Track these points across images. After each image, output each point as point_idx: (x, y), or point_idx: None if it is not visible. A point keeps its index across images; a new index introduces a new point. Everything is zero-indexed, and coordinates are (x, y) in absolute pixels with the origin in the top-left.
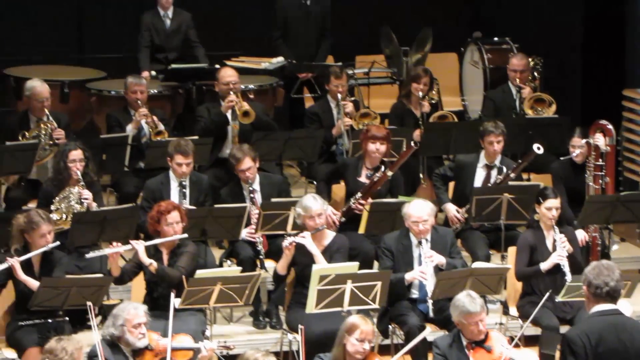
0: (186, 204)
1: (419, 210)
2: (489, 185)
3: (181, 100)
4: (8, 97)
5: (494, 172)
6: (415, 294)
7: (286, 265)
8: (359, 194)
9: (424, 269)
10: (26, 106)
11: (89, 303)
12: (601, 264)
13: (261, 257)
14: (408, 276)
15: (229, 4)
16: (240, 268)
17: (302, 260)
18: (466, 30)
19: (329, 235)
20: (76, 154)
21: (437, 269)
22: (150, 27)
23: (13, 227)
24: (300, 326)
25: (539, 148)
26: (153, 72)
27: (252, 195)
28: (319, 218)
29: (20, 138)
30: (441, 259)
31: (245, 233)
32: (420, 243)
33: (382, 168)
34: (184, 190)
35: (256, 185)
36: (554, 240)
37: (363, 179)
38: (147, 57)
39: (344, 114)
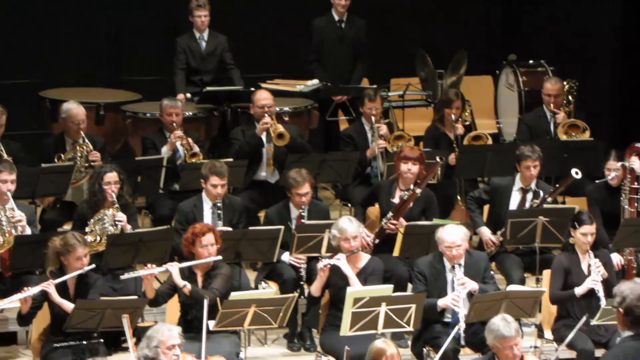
0: (220, 226)
1: (452, 235)
2: (524, 208)
3: (216, 123)
4: (44, 119)
5: (529, 196)
6: (448, 318)
7: (320, 287)
8: (390, 214)
9: (457, 296)
10: (62, 128)
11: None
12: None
13: (302, 282)
14: (441, 302)
15: (264, 27)
16: (274, 290)
17: (337, 282)
18: (501, 52)
19: (364, 258)
20: (111, 176)
21: (470, 295)
22: (185, 49)
23: (49, 250)
24: (346, 347)
25: (577, 173)
26: (188, 95)
27: (302, 220)
28: (354, 240)
29: (56, 160)
30: (474, 285)
31: (288, 257)
32: (453, 268)
33: (411, 187)
34: (218, 211)
35: (304, 212)
36: (589, 264)
37: (396, 200)
38: (183, 79)
39: (378, 136)
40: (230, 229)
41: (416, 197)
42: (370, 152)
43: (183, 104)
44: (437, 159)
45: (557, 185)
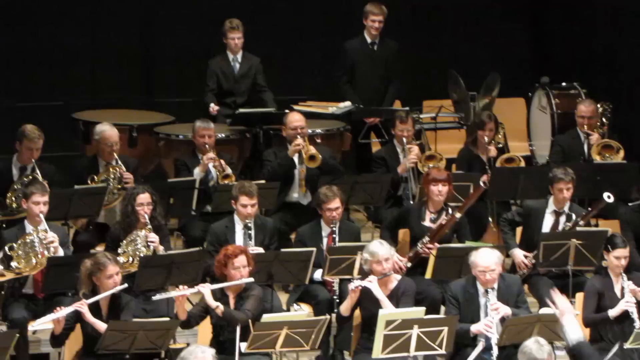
0: (252, 246)
1: (486, 259)
2: (557, 231)
3: (249, 145)
4: (77, 141)
5: (562, 218)
6: (481, 341)
7: (350, 307)
8: (426, 238)
9: (490, 321)
10: (95, 150)
11: None
12: None
13: (335, 297)
14: (474, 328)
15: (296, 48)
16: (306, 312)
17: (368, 305)
18: (534, 75)
19: (394, 279)
20: (144, 197)
21: (503, 320)
22: (218, 72)
23: (81, 272)
24: None
25: (609, 197)
26: (217, 107)
27: (334, 236)
28: (386, 263)
29: (89, 182)
30: (507, 311)
31: (320, 275)
32: (486, 292)
33: (449, 210)
34: (249, 232)
35: (336, 229)
36: (622, 287)
37: (427, 222)
38: (213, 98)
39: (408, 150)
40: (261, 249)
41: (455, 221)
42: (402, 168)
43: (216, 114)
44: (481, 183)
45: (590, 209)
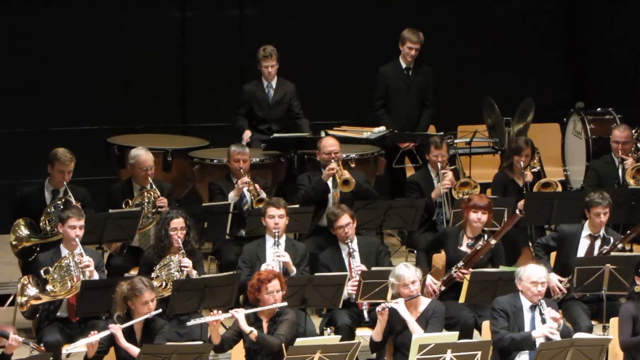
0: (279, 253)
1: (537, 272)
2: (592, 255)
3: (283, 169)
4: (112, 165)
5: (597, 243)
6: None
7: (381, 331)
8: (461, 263)
9: (551, 326)
10: (130, 174)
11: None
12: None
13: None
14: (536, 333)
15: (331, 74)
16: (339, 336)
17: (396, 326)
18: (569, 100)
19: (424, 302)
20: (178, 222)
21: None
22: (252, 99)
23: (116, 294)
24: None
25: None
26: (248, 132)
27: (352, 251)
28: (412, 285)
29: (123, 206)
30: (561, 322)
31: (346, 291)
32: (533, 308)
33: (485, 237)
34: (277, 246)
35: (354, 246)
36: None
37: (464, 248)
38: (245, 123)
39: (442, 176)
40: (284, 254)
41: (490, 248)
42: (436, 193)
43: (249, 140)
44: (517, 212)
45: (629, 232)
